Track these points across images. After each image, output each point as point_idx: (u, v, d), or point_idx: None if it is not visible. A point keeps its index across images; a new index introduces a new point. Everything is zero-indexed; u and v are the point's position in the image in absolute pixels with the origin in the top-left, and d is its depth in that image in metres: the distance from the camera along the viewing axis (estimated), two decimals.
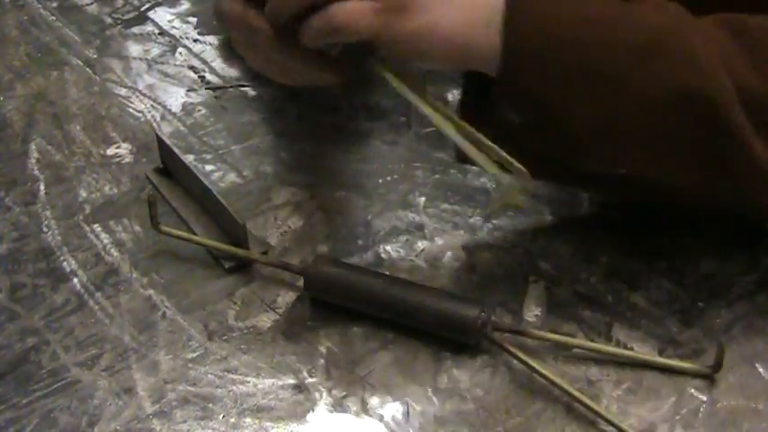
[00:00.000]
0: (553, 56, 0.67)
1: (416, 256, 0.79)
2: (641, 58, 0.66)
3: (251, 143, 0.89)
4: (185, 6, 1.06)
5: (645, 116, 0.67)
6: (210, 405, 0.69)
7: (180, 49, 1.01)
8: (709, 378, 0.69)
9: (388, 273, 0.76)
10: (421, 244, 0.80)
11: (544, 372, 0.69)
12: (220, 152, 0.88)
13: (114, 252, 0.79)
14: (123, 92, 0.95)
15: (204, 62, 0.99)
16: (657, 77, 0.66)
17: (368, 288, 0.73)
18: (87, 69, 0.97)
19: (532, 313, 0.74)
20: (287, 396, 0.69)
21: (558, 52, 0.67)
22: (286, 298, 0.76)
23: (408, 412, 0.68)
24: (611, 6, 0.68)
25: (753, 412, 0.68)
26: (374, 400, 0.69)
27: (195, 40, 1.02)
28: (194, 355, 0.72)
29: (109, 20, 1.03)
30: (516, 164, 0.69)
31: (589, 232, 0.81)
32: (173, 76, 0.96)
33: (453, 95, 0.93)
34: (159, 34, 1.02)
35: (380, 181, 0.85)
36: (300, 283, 0.75)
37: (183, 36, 1.02)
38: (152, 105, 0.93)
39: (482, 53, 0.68)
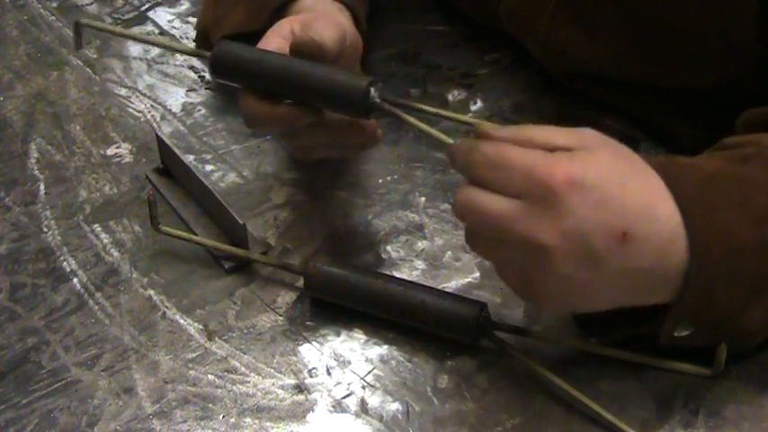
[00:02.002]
0: (739, 265, 0.63)
1: (416, 256, 0.79)
2: None
3: (251, 143, 0.89)
4: (185, 6, 1.05)
5: None
6: (210, 405, 0.69)
7: None
8: (709, 378, 0.69)
9: (388, 273, 0.76)
10: (421, 244, 0.80)
11: (544, 371, 0.69)
12: (220, 152, 0.88)
13: (114, 252, 0.79)
14: (123, 92, 0.95)
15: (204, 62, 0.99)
16: None
17: (368, 288, 0.73)
18: (87, 69, 0.97)
19: (533, 313, 0.74)
20: (287, 396, 0.69)
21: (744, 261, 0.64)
22: (286, 298, 0.76)
23: (408, 412, 0.68)
24: None
25: (753, 412, 0.68)
26: (374, 400, 0.69)
27: (195, 41, 1.02)
28: (194, 355, 0.72)
29: (109, 20, 1.03)
30: None
31: None
32: (173, 76, 0.96)
33: (453, 96, 0.93)
34: (159, 34, 1.02)
35: (380, 181, 0.85)
36: (300, 283, 0.75)
37: (183, 36, 1.01)
38: (152, 105, 0.93)
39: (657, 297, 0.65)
